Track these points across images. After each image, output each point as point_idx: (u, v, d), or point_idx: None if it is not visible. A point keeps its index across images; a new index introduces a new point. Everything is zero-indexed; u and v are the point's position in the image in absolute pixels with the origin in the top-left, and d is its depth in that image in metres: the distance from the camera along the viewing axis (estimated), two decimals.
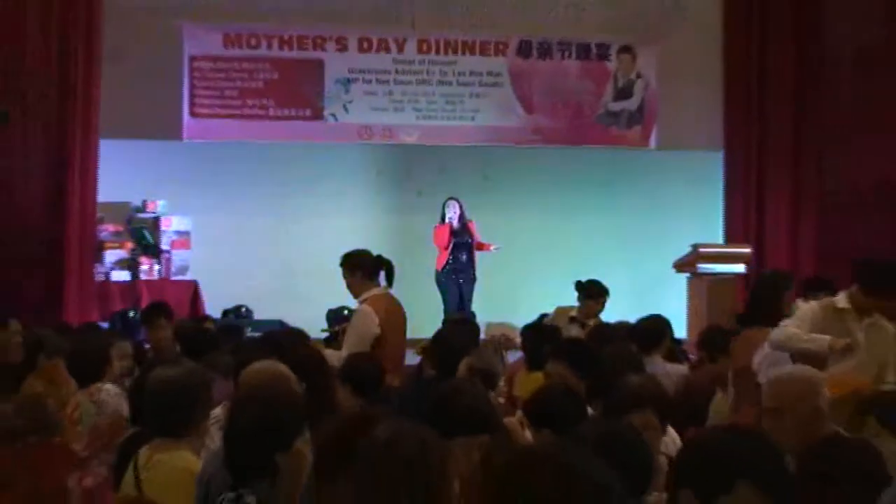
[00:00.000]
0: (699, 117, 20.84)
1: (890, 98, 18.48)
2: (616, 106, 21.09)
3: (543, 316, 15.28)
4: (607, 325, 13.73)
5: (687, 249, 18.18)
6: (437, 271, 18.95)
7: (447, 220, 19.03)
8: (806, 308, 10.27)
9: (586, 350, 10.26)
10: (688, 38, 20.87)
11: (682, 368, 11.94)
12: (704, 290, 17.71)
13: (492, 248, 19.18)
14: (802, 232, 19.92)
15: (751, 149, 20.42)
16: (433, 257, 19.13)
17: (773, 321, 10.14)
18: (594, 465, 4.17)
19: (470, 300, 18.75)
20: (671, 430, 7.58)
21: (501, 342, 13.84)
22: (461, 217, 19.14)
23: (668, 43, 21.04)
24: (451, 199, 19.18)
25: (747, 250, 18.91)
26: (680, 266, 18.20)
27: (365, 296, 11.44)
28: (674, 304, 17.17)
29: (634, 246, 19.92)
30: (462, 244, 19.05)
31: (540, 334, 12.11)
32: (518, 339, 13.47)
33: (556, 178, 20.73)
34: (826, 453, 6.05)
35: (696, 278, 18.01)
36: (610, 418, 6.94)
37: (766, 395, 7.58)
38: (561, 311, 15.53)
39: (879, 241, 17.45)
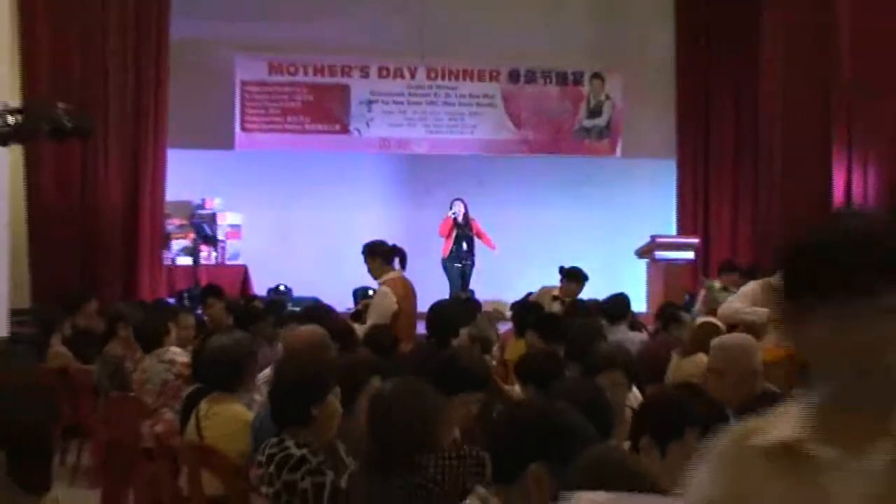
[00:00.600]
0: (656, 131, 21.05)
1: (809, 120, 18.37)
2: (589, 122, 21.29)
3: (529, 294, 15.48)
4: (581, 301, 13.90)
5: (646, 239, 18.31)
6: (442, 258, 18.91)
7: (452, 215, 19.13)
8: (748, 287, 10.52)
9: (555, 323, 10.60)
10: (648, 67, 21.12)
11: (642, 336, 12.10)
12: (661, 273, 17.91)
13: (493, 247, 19.17)
14: (740, 225, 20.10)
15: (698, 157, 20.60)
16: (439, 246, 19.07)
17: None
18: (569, 412, 4.30)
19: (469, 281, 18.80)
20: (634, 388, 7.60)
21: (494, 315, 14.21)
22: (465, 214, 19.14)
23: (631, 71, 21.22)
24: (456, 199, 19.15)
25: (695, 240, 19.07)
26: (640, 253, 18.36)
27: (384, 278, 11.52)
28: (635, 285, 17.19)
29: (603, 236, 19.91)
30: (464, 236, 19.05)
31: (525, 309, 12.26)
32: (508, 313, 13.85)
33: (539, 182, 20.76)
34: (759, 407, 6.15)
35: (653, 263, 18.19)
36: (587, 377, 6.93)
37: (710, 359, 7.61)
38: (545, 290, 15.72)
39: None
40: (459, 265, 18.95)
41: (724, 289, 14.59)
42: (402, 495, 5.05)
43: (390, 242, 12.14)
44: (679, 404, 4.91)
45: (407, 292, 11.71)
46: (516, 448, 4.13)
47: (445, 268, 19.00)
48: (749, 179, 20.15)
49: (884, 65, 17.66)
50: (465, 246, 19.10)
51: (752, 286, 10.48)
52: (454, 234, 18.96)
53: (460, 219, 19.12)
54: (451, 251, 18.99)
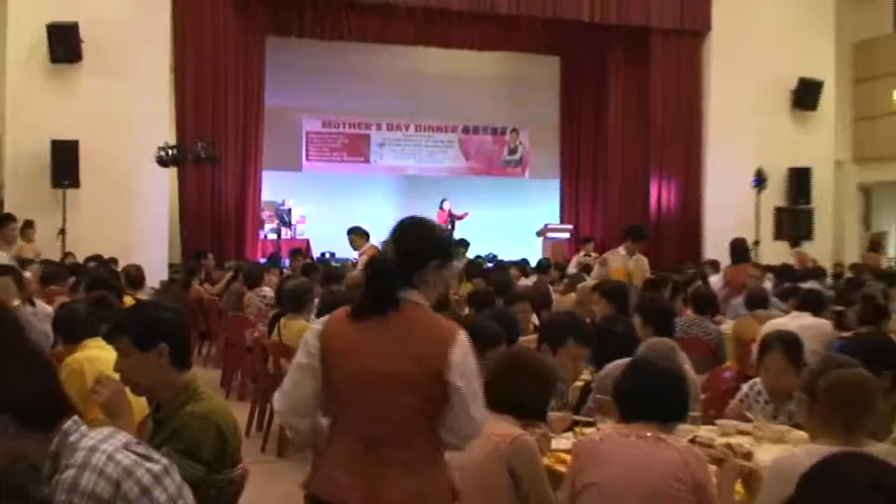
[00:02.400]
0: (548, 162, 21.05)
1: (635, 155, 18.51)
2: (509, 157, 21.53)
3: (478, 257, 15.63)
4: (503, 262, 14.54)
5: (542, 226, 18.56)
6: None
7: (444, 208, 19.47)
8: (607, 254, 10.19)
9: (488, 272, 11.11)
10: (543, 124, 21.12)
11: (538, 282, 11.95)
12: (550, 246, 18.07)
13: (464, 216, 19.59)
14: (595, 217, 20.02)
15: (572, 177, 20.57)
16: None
17: None
18: (492, 324, 4.35)
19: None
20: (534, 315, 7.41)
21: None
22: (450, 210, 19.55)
23: (534, 127, 21.40)
24: (444, 200, 19.55)
25: (570, 226, 19.33)
26: (539, 234, 18.45)
27: (363, 248, 10.95)
28: (536, 253, 17.32)
29: (518, 224, 19.70)
30: (451, 222, 19.39)
31: (471, 265, 12.36)
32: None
33: (480, 193, 20.62)
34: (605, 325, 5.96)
35: (546, 240, 18.30)
36: (507, 305, 6.87)
37: (579, 294, 8.15)
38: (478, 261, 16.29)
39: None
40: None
41: (587, 254, 15.15)
42: None
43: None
44: (562, 322, 4.72)
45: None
46: None
47: None
48: (601, 191, 19.97)
49: (678, 122, 18.29)
50: (449, 228, 19.53)
51: (609, 253, 10.16)
52: (446, 222, 19.33)
53: (446, 209, 19.55)
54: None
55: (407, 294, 2.91)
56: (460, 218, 19.70)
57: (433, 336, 2.88)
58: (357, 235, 11.23)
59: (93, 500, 2.18)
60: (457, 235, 19.15)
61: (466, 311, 7.62)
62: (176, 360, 3.11)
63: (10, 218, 9.29)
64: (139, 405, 3.29)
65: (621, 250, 9.69)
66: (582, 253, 15.36)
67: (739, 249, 11.84)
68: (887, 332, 6.26)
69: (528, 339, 5.93)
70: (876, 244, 16.99)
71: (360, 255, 11.12)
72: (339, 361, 2.88)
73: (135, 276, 8.91)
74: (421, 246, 2.97)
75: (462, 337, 2.90)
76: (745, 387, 4.82)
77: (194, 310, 11.45)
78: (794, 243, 17.28)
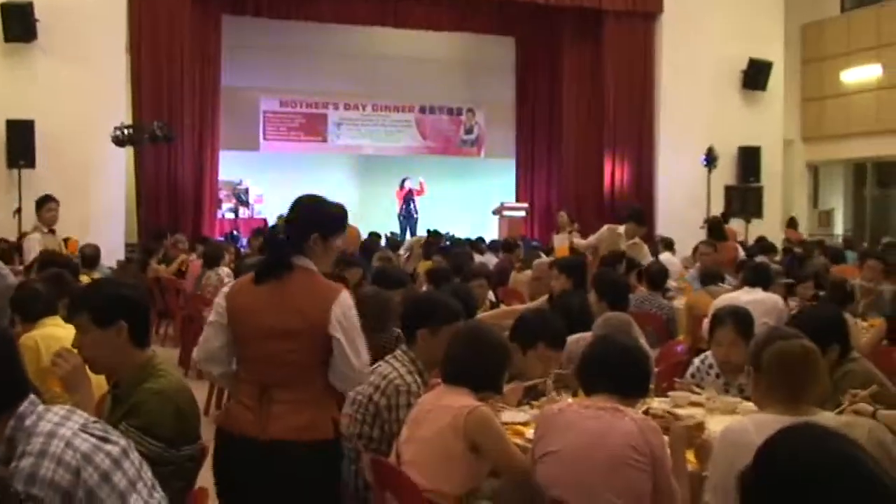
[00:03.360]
0: (504, 142, 21.04)
1: (590, 139, 18.58)
2: (466, 137, 21.48)
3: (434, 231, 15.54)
4: (458, 238, 14.57)
5: (498, 204, 18.49)
6: (399, 213, 19.50)
7: (404, 187, 19.67)
8: (602, 230, 10.00)
9: (447, 249, 11.11)
10: (499, 104, 21.10)
11: (493, 258, 12.19)
12: (506, 223, 17.99)
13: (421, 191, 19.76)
14: (550, 196, 19.99)
15: (527, 158, 20.63)
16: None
17: None
18: (450, 300, 4.23)
19: (416, 228, 19.09)
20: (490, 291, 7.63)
21: (415, 244, 14.52)
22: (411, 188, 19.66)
23: (490, 107, 21.38)
24: (405, 178, 19.69)
25: (525, 205, 19.29)
26: (495, 212, 18.34)
27: None
28: (492, 231, 17.60)
29: (474, 203, 19.82)
30: (409, 199, 19.72)
31: (430, 243, 12.59)
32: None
33: (437, 172, 20.68)
34: (562, 301, 6.06)
35: (502, 218, 18.21)
36: (464, 282, 6.95)
37: (534, 271, 8.46)
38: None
39: (597, 199, 18.75)
40: (407, 217, 19.44)
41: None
42: (370, 349, 4.92)
43: (346, 205, 12.43)
44: (534, 324, 4.55)
45: (351, 231, 11.91)
46: (412, 320, 3.99)
47: (400, 218, 19.49)
48: (555, 169, 19.96)
49: (631, 102, 18.39)
50: (410, 206, 19.68)
51: (604, 229, 10.01)
52: (405, 199, 19.59)
53: (411, 188, 19.67)
54: (402, 209, 19.58)
55: (299, 261, 3.32)
56: (418, 193, 19.76)
57: (318, 296, 3.28)
58: None
59: (52, 490, 2.15)
60: (417, 213, 19.31)
61: (425, 286, 7.65)
62: (135, 337, 3.09)
63: (48, 199, 9.32)
64: (98, 382, 3.25)
65: (620, 229, 9.69)
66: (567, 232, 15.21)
67: (716, 227, 11.97)
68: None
69: (486, 315, 6.00)
70: (793, 221, 17.25)
71: None
72: (242, 318, 3.33)
73: (90, 256, 8.79)
74: (305, 220, 3.42)
75: (344, 296, 3.30)
76: (696, 360, 4.85)
77: (152, 289, 11.34)
78: (746, 220, 17.47)
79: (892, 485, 1.71)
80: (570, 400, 3.70)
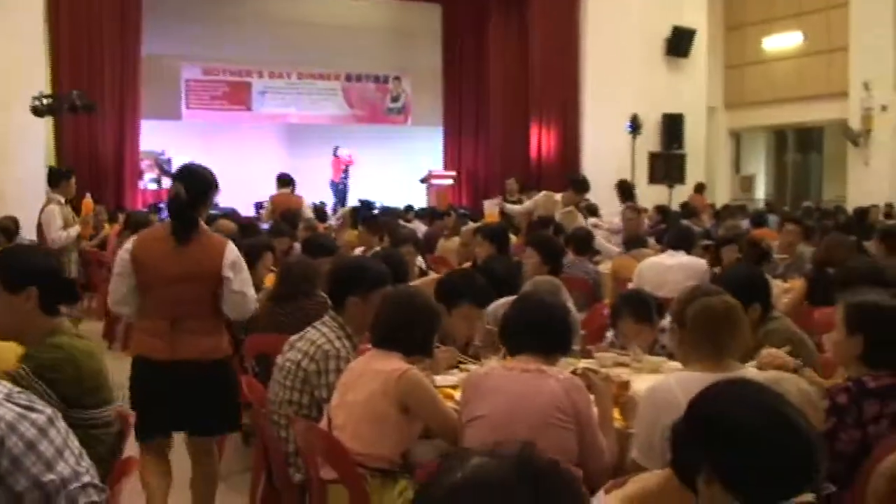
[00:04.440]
0: (431, 110, 20.95)
1: (517, 105, 18.93)
2: (392, 105, 21.45)
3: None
4: (389, 207, 14.26)
5: (426, 173, 18.45)
6: (332, 181, 19.33)
7: (339, 156, 19.45)
8: (538, 195, 10.28)
9: (373, 217, 10.84)
10: (426, 72, 20.98)
11: (422, 226, 12.30)
12: (434, 192, 18.04)
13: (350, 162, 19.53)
14: (478, 164, 20.14)
15: (454, 125, 20.61)
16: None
17: None
18: (381, 266, 4.20)
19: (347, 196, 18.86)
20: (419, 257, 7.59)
21: (346, 213, 14.38)
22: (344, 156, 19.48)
23: (416, 74, 21.29)
24: (339, 146, 19.45)
25: (454, 173, 19.27)
26: (423, 180, 18.31)
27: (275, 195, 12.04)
28: (420, 199, 17.50)
29: (402, 171, 19.57)
30: (346, 168, 19.49)
31: (355, 211, 12.66)
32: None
33: (365, 140, 20.36)
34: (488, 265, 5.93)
35: (430, 187, 18.22)
36: (394, 248, 6.93)
37: (463, 236, 8.42)
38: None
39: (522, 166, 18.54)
40: (342, 186, 19.30)
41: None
42: (291, 314, 4.96)
43: (271, 175, 12.63)
44: (457, 283, 4.63)
45: (289, 198, 12.12)
46: (340, 286, 4.01)
47: (334, 186, 19.30)
48: (483, 137, 20.08)
49: (557, 70, 18.51)
50: (343, 175, 19.47)
51: (539, 195, 10.34)
52: (341, 168, 19.42)
53: (343, 157, 19.51)
54: (340, 178, 19.40)
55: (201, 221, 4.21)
56: (348, 163, 19.63)
57: (211, 247, 4.18)
58: (279, 181, 12.31)
59: None
60: (351, 183, 19.17)
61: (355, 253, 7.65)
62: (45, 304, 3.07)
63: (70, 173, 9.93)
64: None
65: (557, 196, 9.74)
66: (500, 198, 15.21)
67: (626, 189, 12.12)
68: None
69: (417, 283, 6.02)
70: (700, 186, 17.56)
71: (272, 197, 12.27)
72: (149, 268, 4.15)
73: (7, 228, 8.60)
74: (203, 186, 4.26)
75: (231, 246, 4.24)
76: (609, 335, 4.88)
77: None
78: (670, 186, 17.75)
79: (816, 437, 1.77)
80: (494, 362, 3.70)
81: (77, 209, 10.25)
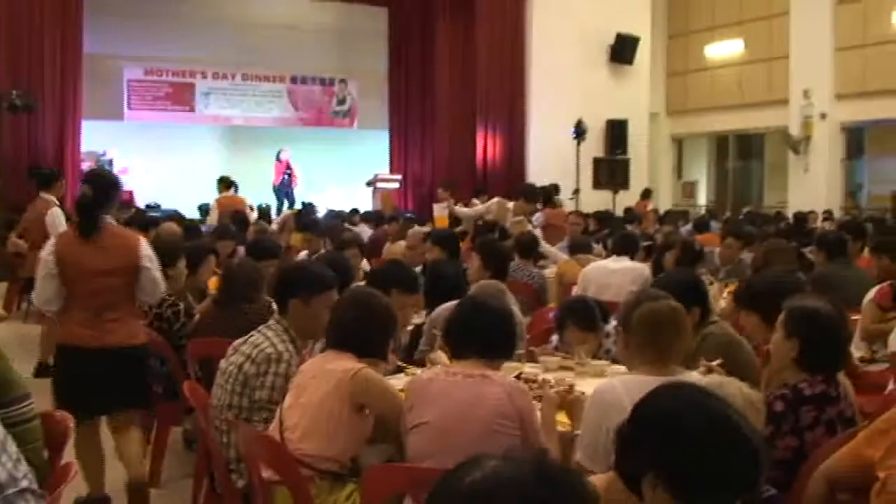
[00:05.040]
0: (377, 113, 20.91)
1: (463, 110, 18.98)
2: (338, 108, 21.30)
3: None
4: (336, 210, 14.47)
5: (372, 176, 18.20)
6: (274, 185, 19.12)
7: (282, 159, 19.20)
8: (491, 201, 10.38)
9: (316, 221, 10.90)
10: (371, 76, 20.95)
11: (367, 230, 12.16)
12: (380, 194, 17.76)
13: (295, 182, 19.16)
14: (423, 168, 20.20)
15: (400, 128, 20.63)
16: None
17: None
18: (325, 270, 4.12)
19: (294, 200, 18.60)
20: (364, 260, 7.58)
21: (288, 218, 14.32)
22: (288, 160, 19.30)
23: (362, 78, 21.18)
24: (282, 150, 19.23)
25: (399, 176, 19.26)
26: (369, 183, 18.04)
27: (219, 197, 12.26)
28: (366, 202, 17.44)
29: (348, 174, 19.38)
30: (287, 172, 19.23)
31: (299, 215, 12.50)
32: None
33: (310, 143, 20.22)
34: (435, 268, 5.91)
35: (377, 189, 17.92)
36: (338, 251, 6.83)
37: (409, 238, 8.44)
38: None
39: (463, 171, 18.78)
40: (284, 190, 19.12)
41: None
42: (234, 318, 4.87)
43: (215, 177, 12.72)
44: (387, 272, 4.75)
45: (234, 200, 12.46)
46: (284, 289, 3.95)
47: (276, 190, 19.10)
48: (429, 141, 20.13)
49: (503, 74, 18.57)
50: (286, 178, 19.27)
51: (492, 202, 10.39)
52: (283, 171, 19.23)
53: (284, 160, 19.31)
54: (282, 181, 19.16)
55: (102, 220, 4.56)
56: (288, 167, 19.50)
57: (126, 242, 4.64)
58: (220, 184, 12.63)
59: None
60: (296, 187, 19.03)
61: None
62: None
63: (60, 174, 10.23)
64: None
65: (510, 204, 9.86)
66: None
67: (545, 195, 12.27)
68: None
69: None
70: (647, 192, 17.86)
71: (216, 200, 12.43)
72: (72, 265, 4.49)
73: None
74: (107, 186, 4.66)
75: (143, 240, 4.73)
76: (553, 338, 4.88)
77: (13, 264, 10.83)
78: (614, 191, 17.94)
79: (759, 440, 1.79)
80: (439, 368, 3.68)
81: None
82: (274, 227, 12.87)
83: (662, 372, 3.03)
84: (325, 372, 3.41)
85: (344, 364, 3.41)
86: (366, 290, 4.03)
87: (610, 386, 3.06)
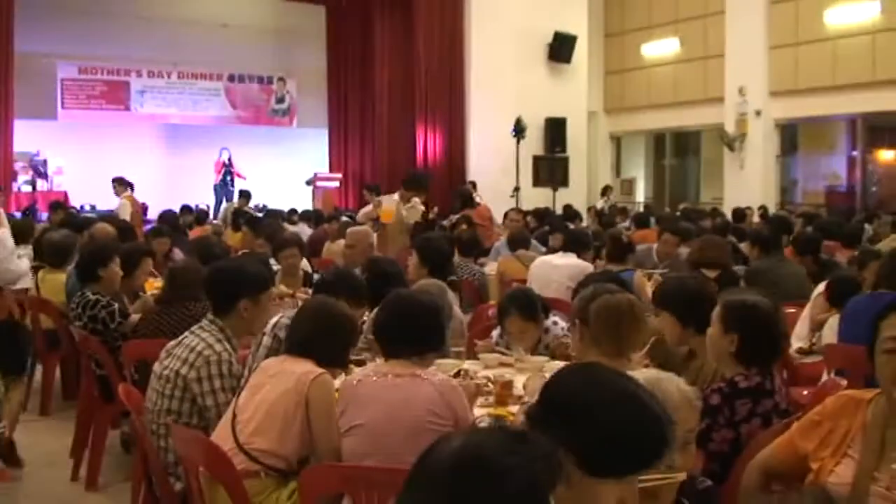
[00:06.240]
0: (316, 112, 20.82)
1: (403, 107, 18.98)
2: (277, 106, 21.31)
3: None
4: (274, 211, 14.18)
5: (312, 175, 18.35)
6: (215, 184, 19.08)
7: (221, 159, 19.20)
8: (377, 199, 10.41)
9: (256, 221, 10.79)
10: (311, 74, 20.86)
11: (307, 229, 12.05)
12: (321, 194, 18.00)
13: (244, 178, 18.99)
14: (363, 166, 20.15)
15: (339, 127, 20.52)
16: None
17: None
18: (264, 268, 4.09)
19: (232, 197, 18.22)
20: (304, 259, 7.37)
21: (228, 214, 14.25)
22: (229, 158, 19.28)
23: (301, 76, 21.21)
24: (224, 148, 19.24)
25: (339, 175, 19.29)
26: (308, 182, 18.23)
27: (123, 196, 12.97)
28: (306, 201, 17.42)
29: (288, 173, 19.35)
30: (228, 172, 19.23)
31: (236, 215, 12.40)
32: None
33: (248, 142, 20.16)
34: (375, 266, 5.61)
35: (316, 188, 18.12)
36: (277, 251, 6.86)
37: (347, 238, 7.89)
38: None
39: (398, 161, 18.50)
40: (223, 189, 18.98)
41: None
42: (180, 318, 4.90)
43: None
44: (334, 282, 4.54)
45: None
46: (233, 288, 3.88)
47: (216, 190, 19.04)
48: (368, 140, 20.10)
49: (443, 72, 18.64)
50: (228, 178, 19.24)
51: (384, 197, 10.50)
52: (222, 170, 19.11)
53: (226, 160, 19.20)
54: (221, 181, 19.09)
55: None
56: (239, 176, 19.38)
57: None
58: (116, 184, 12.81)
59: None
60: (234, 185, 18.94)
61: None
62: None
63: None
64: None
65: (395, 196, 10.00)
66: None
67: (465, 198, 12.48)
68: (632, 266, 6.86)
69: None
70: (605, 190, 18.23)
71: (122, 199, 12.68)
72: None
73: None
74: None
75: None
76: (494, 334, 4.88)
77: None
78: (554, 189, 18.07)
79: (665, 413, 1.81)
80: (370, 368, 3.65)
81: None
82: (218, 222, 12.90)
83: (615, 364, 3.01)
84: (285, 371, 3.40)
85: (304, 367, 3.40)
86: (328, 300, 3.92)
87: None
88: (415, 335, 3.34)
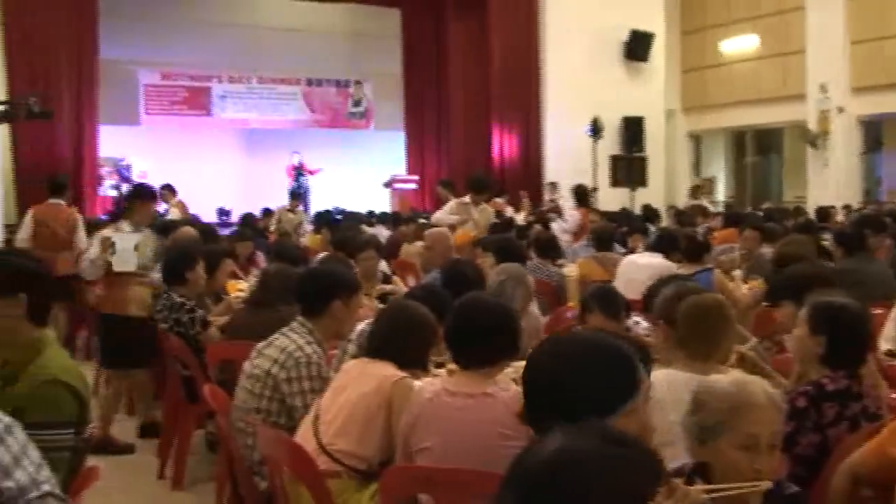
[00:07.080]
0: (393, 114, 20.92)
1: (478, 109, 18.79)
2: (354, 109, 21.49)
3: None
4: (352, 214, 14.42)
5: (389, 177, 18.50)
6: (290, 189, 18.72)
7: (292, 162, 19.33)
8: (450, 203, 10.20)
9: (336, 222, 11.05)
10: (387, 77, 20.99)
11: (384, 231, 12.10)
12: (398, 196, 18.13)
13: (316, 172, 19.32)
14: (440, 168, 19.86)
15: (416, 130, 20.61)
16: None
17: None
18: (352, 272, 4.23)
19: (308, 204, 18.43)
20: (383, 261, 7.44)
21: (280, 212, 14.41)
22: (300, 161, 19.38)
23: (378, 79, 21.39)
24: (294, 151, 19.41)
25: (416, 177, 19.38)
26: (386, 185, 18.38)
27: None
28: (384, 203, 17.47)
29: (365, 175, 19.52)
30: (300, 174, 19.29)
31: (319, 217, 12.65)
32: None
33: (326, 145, 20.35)
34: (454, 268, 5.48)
35: (394, 191, 18.30)
36: (351, 255, 6.76)
37: (425, 239, 7.95)
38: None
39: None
40: (301, 191, 19.10)
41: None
42: (269, 320, 4.64)
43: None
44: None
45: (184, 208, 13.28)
46: (327, 291, 3.90)
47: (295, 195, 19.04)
48: (444, 141, 20.10)
49: (518, 73, 18.56)
50: (301, 179, 19.36)
51: (451, 203, 10.16)
52: (294, 174, 19.31)
53: (297, 163, 19.38)
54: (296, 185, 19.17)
55: None
56: (311, 172, 19.50)
57: None
58: (166, 191, 13.11)
59: None
60: (308, 188, 19.08)
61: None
62: (33, 313, 2.84)
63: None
64: None
65: (467, 199, 9.86)
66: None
67: (580, 194, 12.24)
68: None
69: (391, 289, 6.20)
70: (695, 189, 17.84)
71: (170, 208, 13.03)
72: None
73: None
74: None
75: None
76: None
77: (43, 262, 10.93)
78: (632, 189, 17.89)
79: (631, 349, 2.00)
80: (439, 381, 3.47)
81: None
82: (272, 227, 12.99)
83: (702, 369, 3.00)
84: (368, 374, 3.42)
85: (386, 370, 3.41)
86: (408, 302, 3.93)
87: (653, 380, 2.95)
88: (486, 344, 3.12)
